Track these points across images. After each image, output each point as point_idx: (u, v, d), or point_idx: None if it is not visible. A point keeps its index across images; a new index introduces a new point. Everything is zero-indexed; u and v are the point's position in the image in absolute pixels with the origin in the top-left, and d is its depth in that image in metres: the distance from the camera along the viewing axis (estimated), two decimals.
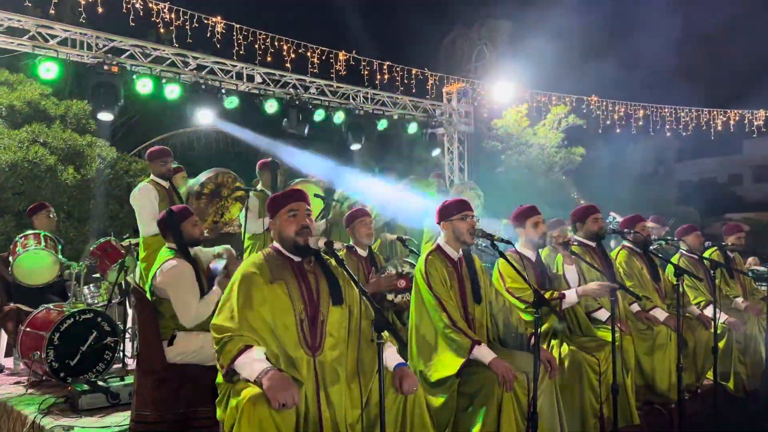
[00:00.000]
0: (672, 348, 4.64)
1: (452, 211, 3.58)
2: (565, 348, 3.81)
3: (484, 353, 3.23)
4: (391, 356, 2.91)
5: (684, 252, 5.85)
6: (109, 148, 10.19)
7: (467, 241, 3.55)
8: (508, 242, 3.40)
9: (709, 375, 5.21)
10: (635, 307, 4.88)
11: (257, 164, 6.22)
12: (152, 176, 5.28)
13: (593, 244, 4.80)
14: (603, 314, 4.44)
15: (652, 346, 4.74)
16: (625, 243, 5.22)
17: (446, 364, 3.25)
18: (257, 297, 2.75)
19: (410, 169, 10.89)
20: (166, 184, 5.24)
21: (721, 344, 5.42)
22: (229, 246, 4.28)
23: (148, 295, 3.82)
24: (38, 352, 4.95)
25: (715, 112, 13.96)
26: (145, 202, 5.03)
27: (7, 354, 5.92)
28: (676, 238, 5.95)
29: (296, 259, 2.92)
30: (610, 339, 4.22)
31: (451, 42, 19.56)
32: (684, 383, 5.01)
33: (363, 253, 4.60)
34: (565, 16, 17.08)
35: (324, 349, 2.82)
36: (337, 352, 2.84)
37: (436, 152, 11.12)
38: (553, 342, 4.02)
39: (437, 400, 3.28)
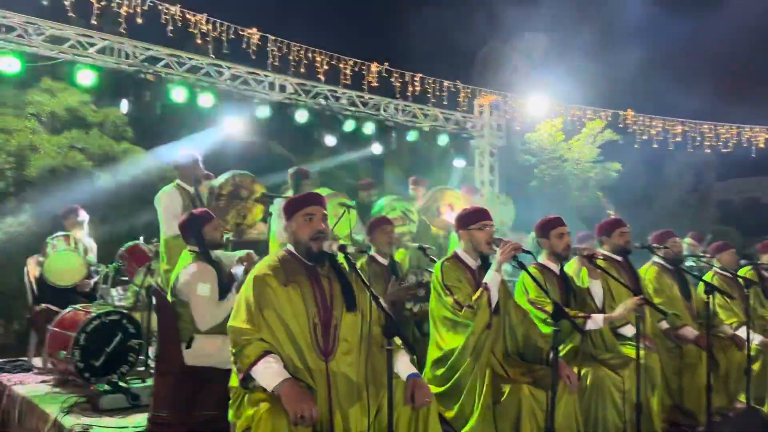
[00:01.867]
0: (702, 368, 4.49)
1: (471, 220, 3.54)
2: (587, 364, 3.70)
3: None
4: (405, 366, 2.86)
5: (718, 270, 5.67)
6: (145, 154, 10.39)
7: (484, 251, 3.49)
8: (529, 252, 3.34)
9: (742, 398, 5.04)
10: (664, 325, 4.74)
11: (289, 172, 6.24)
12: (178, 180, 5.34)
13: (620, 259, 4.69)
14: (629, 330, 4.32)
15: (681, 365, 4.60)
16: (656, 259, 5.07)
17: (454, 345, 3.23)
18: (272, 299, 2.73)
19: (441, 182, 10.83)
20: (191, 189, 5.30)
21: (756, 366, 5.22)
22: (251, 251, 4.30)
23: (168, 297, 3.86)
24: (64, 352, 5.04)
25: (757, 129, 13.58)
26: (168, 203, 5.10)
27: (38, 353, 6.04)
28: (709, 256, 5.78)
29: (310, 262, 2.91)
30: (634, 356, 4.13)
31: (485, 55, 19.49)
32: (715, 405, 4.86)
33: (384, 261, 4.58)
34: (601, 30, 16.87)
35: (336, 354, 2.79)
36: (349, 358, 2.81)
37: (461, 164, 11.05)
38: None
39: (449, 413, 3.22)
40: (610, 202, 20.11)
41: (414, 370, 2.86)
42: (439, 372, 3.38)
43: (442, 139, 10.85)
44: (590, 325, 3.78)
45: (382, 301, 2.67)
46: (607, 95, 15.49)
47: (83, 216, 6.13)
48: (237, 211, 5.34)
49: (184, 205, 5.08)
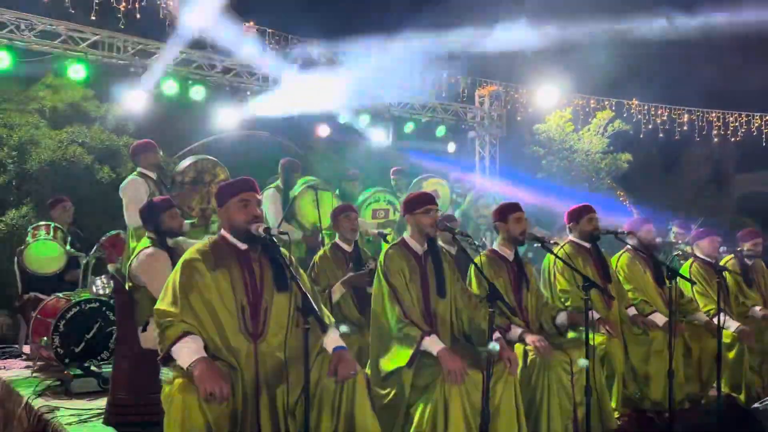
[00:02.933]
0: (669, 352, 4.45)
1: (415, 205, 3.56)
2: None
3: (432, 344, 3.19)
4: (331, 340, 2.91)
5: (698, 257, 5.59)
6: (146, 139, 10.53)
7: (430, 235, 3.51)
8: (468, 236, 3.35)
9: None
10: (632, 311, 4.71)
11: (280, 162, 6.28)
12: (140, 169, 5.40)
13: (587, 245, 4.67)
14: (593, 314, 4.30)
15: (648, 351, 4.56)
16: (629, 246, 5.03)
17: (397, 355, 3.23)
18: (199, 283, 2.79)
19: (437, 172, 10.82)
20: (154, 176, 5.37)
21: (731, 354, 5.18)
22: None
23: (126, 283, 3.94)
24: (45, 338, 5.18)
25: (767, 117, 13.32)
26: (133, 194, 5.16)
27: (27, 341, 6.20)
28: (690, 243, 5.72)
29: (242, 247, 2.95)
30: (596, 341, 4.13)
31: (493, 45, 19.30)
32: (686, 392, 4.83)
33: (347, 248, 4.62)
34: (608, 18, 16.59)
35: (267, 336, 2.84)
36: (279, 338, 2.86)
37: (452, 148, 11.03)
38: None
39: (388, 395, 3.25)
40: (623, 193, 19.92)
41: (341, 343, 2.90)
42: (385, 392, 3.35)
43: (440, 131, 10.84)
44: (509, 336, 3.73)
45: (303, 280, 2.71)
46: (613, 85, 15.28)
47: (69, 206, 6.26)
48: (201, 197, 5.42)
49: (150, 192, 5.15)
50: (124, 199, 5.21)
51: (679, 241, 6.17)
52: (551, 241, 4.15)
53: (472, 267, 3.96)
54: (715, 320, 5.00)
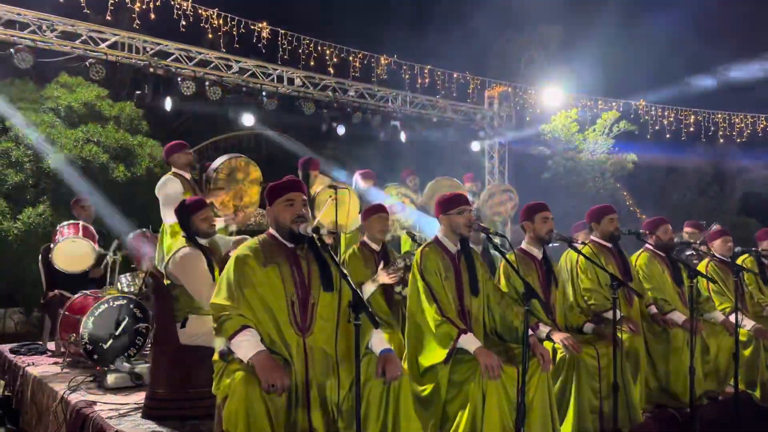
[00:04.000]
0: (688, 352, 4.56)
1: (450, 206, 3.66)
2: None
3: (469, 342, 3.29)
4: (379, 342, 3.02)
5: (714, 257, 5.70)
6: (159, 147, 10.64)
7: (464, 235, 3.62)
8: (503, 236, 3.45)
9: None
10: (653, 309, 4.81)
11: (299, 161, 6.38)
12: (174, 169, 5.52)
13: (609, 245, 4.78)
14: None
15: (668, 349, 4.67)
16: (647, 246, 5.14)
17: (434, 352, 3.33)
18: (252, 278, 2.90)
19: (449, 172, 10.93)
20: (188, 175, 5.50)
21: (747, 352, 5.29)
22: (248, 237, 4.47)
23: (164, 281, 4.05)
24: (74, 335, 5.28)
25: None
26: (170, 192, 5.28)
27: (52, 337, 6.30)
28: (704, 244, 5.82)
29: (290, 245, 3.06)
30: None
31: (501, 46, 19.45)
32: (705, 389, 4.93)
33: (376, 247, 4.73)
34: (616, 20, 16.75)
35: (314, 331, 2.95)
36: (326, 334, 2.97)
37: (476, 147, 11.13)
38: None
39: (425, 390, 3.35)
40: (627, 193, 20.05)
41: (387, 345, 3.01)
42: (423, 387, 3.44)
43: (451, 131, 10.95)
44: (537, 333, 3.85)
45: (350, 279, 2.82)
46: (621, 86, 15.41)
47: (87, 205, 6.38)
48: (235, 193, 5.54)
49: (185, 191, 5.27)
50: (159, 198, 5.31)
51: (693, 241, 6.27)
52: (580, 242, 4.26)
53: (501, 265, 4.08)
54: (732, 318, 5.14)
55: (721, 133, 13.30)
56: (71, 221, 5.88)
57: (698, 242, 6.04)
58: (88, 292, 5.68)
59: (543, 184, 17.25)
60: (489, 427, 3.13)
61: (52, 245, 5.73)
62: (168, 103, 8.08)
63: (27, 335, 8.27)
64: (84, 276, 6.09)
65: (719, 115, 13.14)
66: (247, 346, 2.71)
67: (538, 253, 4.21)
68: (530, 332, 3.52)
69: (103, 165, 9.62)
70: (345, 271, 2.93)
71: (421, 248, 3.69)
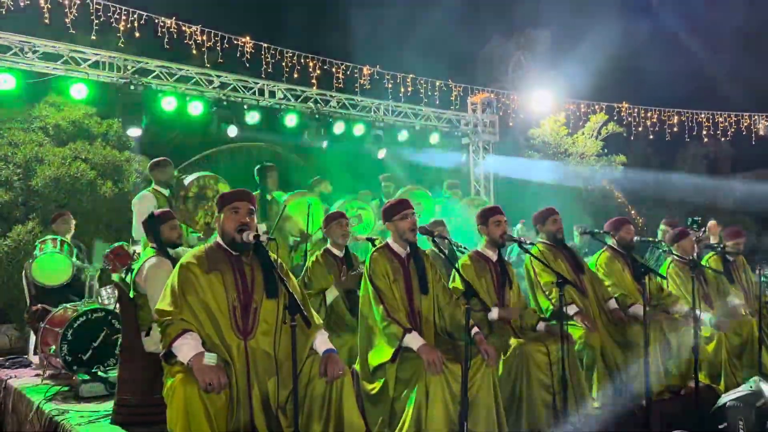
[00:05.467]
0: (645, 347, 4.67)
1: (393, 212, 3.81)
2: (513, 341, 3.94)
3: (413, 340, 3.43)
4: (322, 342, 3.16)
5: (675, 256, 5.81)
6: (146, 162, 10.81)
7: (410, 239, 3.77)
8: (445, 238, 3.60)
9: (702, 377, 5.22)
10: (612, 304, 4.93)
11: (255, 168, 6.53)
12: (154, 185, 5.69)
13: (557, 245, 4.91)
14: (571, 309, 4.54)
15: (625, 344, 4.79)
16: (609, 245, 5.28)
17: (382, 351, 3.48)
18: (195, 284, 3.05)
19: (435, 179, 11.07)
20: (166, 192, 5.66)
21: (710, 346, 5.41)
22: None
23: (130, 292, 4.20)
24: (54, 347, 5.43)
25: (756, 117, 13.54)
26: (143, 209, 5.44)
27: (36, 351, 6.44)
28: (668, 243, 5.93)
29: (234, 252, 3.21)
30: (576, 334, 4.37)
31: (488, 52, 19.66)
32: (666, 384, 5.05)
33: (339, 253, 4.87)
34: (603, 23, 16.93)
35: (256, 334, 3.08)
36: (268, 337, 3.11)
37: (462, 159, 11.27)
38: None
39: (374, 387, 3.49)
40: (620, 194, 20.16)
41: (330, 346, 3.15)
42: (372, 385, 3.59)
43: (434, 138, 11.09)
44: (490, 315, 4.03)
45: (289, 283, 2.96)
46: (605, 88, 15.57)
47: (68, 218, 6.55)
48: (204, 211, 5.68)
49: (158, 208, 5.41)
50: (134, 212, 5.45)
51: (659, 240, 6.41)
52: (528, 242, 4.39)
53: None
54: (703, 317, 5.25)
55: (705, 132, 13.42)
56: (50, 236, 6.05)
57: (649, 239, 6.16)
58: (68, 305, 5.84)
59: (533, 189, 17.40)
60: (433, 422, 3.27)
61: (30, 260, 5.89)
62: (145, 120, 8.24)
63: (22, 351, 8.42)
64: (65, 289, 6.24)
65: (702, 115, 13.28)
66: (187, 348, 2.85)
67: (492, 255, 4.36)
68: (477, 329, 3.67)
69: (90, 181, 9.78)
70: (285, 276, 3.08)
71: (370, 253, 3.84)
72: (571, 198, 17.64)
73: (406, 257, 3.83)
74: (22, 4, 9.70)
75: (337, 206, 6.48)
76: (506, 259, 4.79)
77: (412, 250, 3.84)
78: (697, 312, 5.03)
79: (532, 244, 4.46)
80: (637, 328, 4.78)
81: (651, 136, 13.53)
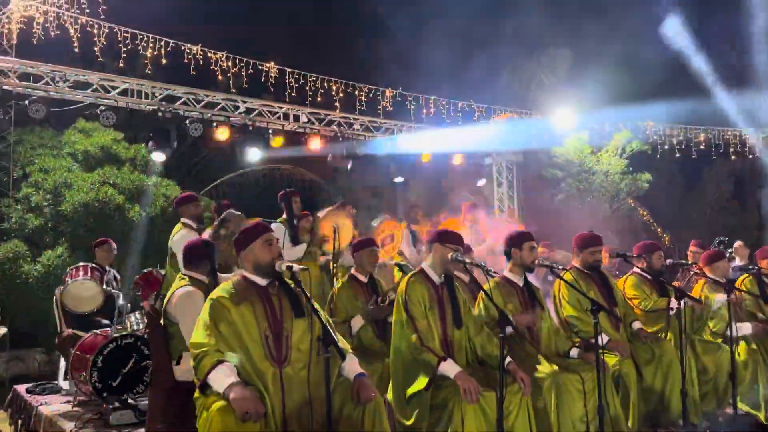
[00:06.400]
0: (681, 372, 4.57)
1: (448, 240, 3.80)
2: (546, 367, 3.87)
3: (449, 368, 3.40)
4: (352, 367, 3.15)
5: (709, 278, 5.69)
6: (173, 187, 10.96)
7: (450, 271, 3.76)
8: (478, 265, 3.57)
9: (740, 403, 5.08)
10: (636, 325, 4.83)
11: (279, 195, 6.55)
12: (183, 219, 5.72)
13: (592, 272, 4.81)
14: (603, 338, 4.44)
15: (659, 368, 4.67)
16: (635, 269, 5.20)
17: (417, 380, 3.44)
18: (227, 316, 3.06)
19: (456, 200, 11.02)
20: (195, 226, 5.69)
21: (747, 372, 5.26)
22: None
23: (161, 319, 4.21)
24: (83, 373, 5.46)
25: None
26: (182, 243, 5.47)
27: (66, 377, 6.50)
28: (702, 266, 5.81)
29: (262, 283, 3.23)
30: (610, 362, 4.28)
31: (509, 72, 19.65)
32: (703, 409, 4.92)
33: (363, 278, 4.85)
34: (624, 42, 16.86)
35: (290, 361, 3.09)
36: (302, 364, 3.11)
37: (481, 182, 11.21)
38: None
39: (409, 417, 3.45)
40: (646, 212, 19.92)
41: (360, 370, 3.14)
42: (407, 417, 3.55)
43: (457, 159, 11.09)
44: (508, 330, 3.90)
45: (321, 313, 2.95)
46: (630, 107, 15.43)
47: (113, 247, 6.66)
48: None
49: None
50: (176, 251, 5.42)
51: (695, 261, 6.27)
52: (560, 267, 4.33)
53: (482, 293, 4.17)
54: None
55: (732, 149, 13.23)
56: (81, 264, 6.13)
57: (682, 262, 6.03)
58: (98, 331, 5.88)
59: (556, 207, 17.27)
60: None
61: (62, 287, 5.96)
62: (173, 145, 8.37)
63: (50, 375, 8.51)
64: (96, 315, 6.30)
65: (729, 132, 13.10)
66: (222, 378, 2.86)
67: (519, 280, 4.31)
68: (510, 358, 3.62)
69: (118, 206, 9.93)
70: (316, 305, 3.08)
71: (407, 277, 3.83)
72: (596, 216, 17.50)
73: (440, 286, 3.81)
74: (52, 34, 10.03)
75: (373, 226, 6.50)
76: None
77: (447, 279, 3.82)
78: (734, 334, 4.93)
79: (564, 269, 4.37)
80: (670, 352, 4.68)
81: (677, 155, 13.35)
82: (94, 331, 5.89)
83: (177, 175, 11.14)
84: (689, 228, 19.71)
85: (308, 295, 3.11)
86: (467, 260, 3.71)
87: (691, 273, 6.58)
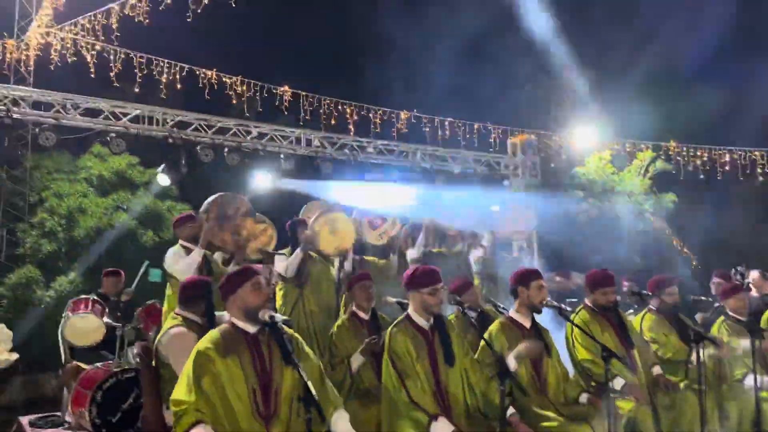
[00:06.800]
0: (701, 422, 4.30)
1: (421, 284, 3.60)
2: (553, 419, 3.64)
3: (441, 428, 3.19)
4: (343, 426, 2.97)
5: (729, 315, 5.36)
6: (188, 211, 10.90)
7: (435, 312, 3.56)
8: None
9: None
10: (657, 370, 4.57)
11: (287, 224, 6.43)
12: (180, 241, 5.60)
13: (606, 313, 4.57)
14: (618, 382, 4.20)
15: (678, 416, 4.42)
16: (651, 306, 4.93)
17: None
18: (211, 370, 2.91)
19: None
20: (192, 246, 5.54)
21: None
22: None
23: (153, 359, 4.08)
24: (83, 409, 5.36)
25: None
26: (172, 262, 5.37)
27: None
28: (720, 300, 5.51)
29: (251, 330, 3.07)
30: (625, 407, 4.05)
31: (529, 92, 19.44)
32: None
33: (365, 316, 4.66)
34: (647, 60, 16.56)
35: (279, 416, 2.93)
36: (291, 418, 2.94)
37: (495, 208, 10.95)
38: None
39: None
40: (672, 234, 19.43)
41: (349, 427, 2.97)
42: None
43: (473, 182, 10.88)
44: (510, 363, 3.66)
45: (306, 365, 2.79)
46: (652, 126, 15.12)
47: (121, 280, 6.60)
48: (232, 230, 5.56)
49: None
50: (175, 273, 5.31)
51: (707, 299, 5.95)
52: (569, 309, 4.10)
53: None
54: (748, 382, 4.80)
55: (759, 170, 12.81)
56: (83, 296, 6.06)
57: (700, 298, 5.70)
58: (99, 364, 5.78)
59: (578, 228, 16.88)
60: None
61: (64, 320, 5.89)
62: (183, 171, 8.33)
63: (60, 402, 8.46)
64: (100, 347, 6.21)
65: (756, 153, 12.69)
66: None
67: (526, 321, 4.09)
68: (512, 410, 3.41)
69: (132, 231, 9.91)
70: (302, 353, 2.93)
71: (390, 328, 3.64)
72: (619, 238, 17.09)
73: (430, 330, 3.62)
74: (69, 60, 10.12)
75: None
76: None
77: (437, 321, 3.62)
78: (758, 379, 4.64)
79: (572, 311, 4.14)
80: (690, 397, 4.41)
81: (702, 176, 12.98)
82: (96, 364, 5.80)
83: (194, 199, 11.09)
84: (717, 250, 19.14)
85: (294, 344, 2.95)
86: (465, 304, 3.50)
87: (714, 307, 6.27)
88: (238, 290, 3.11)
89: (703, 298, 5.78)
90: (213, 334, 3.09)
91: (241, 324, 3.09)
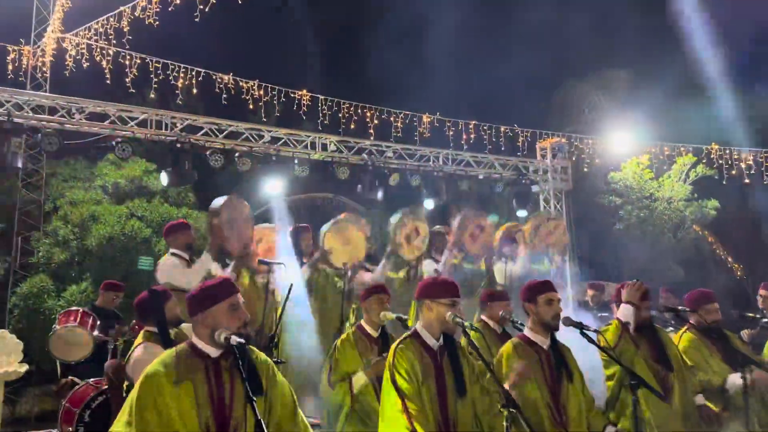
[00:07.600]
0: None
1: (440, 293, 3.13)
2: None
3: None
4: None
5: None
6: (203, 218, 10.63)
7: (450, 331, 3.08)
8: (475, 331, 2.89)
9: None
10: (700, 399, 4.00)
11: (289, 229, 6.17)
12: (171, 249, 5.33)
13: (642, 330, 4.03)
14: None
15: None
16: (691, 324, 4.35)
17: None
18: (157, 401, 2.49)
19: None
20: (186, 255, 5.29)
21: None
22: None
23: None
24: (70, 428, 5.04)
25: None
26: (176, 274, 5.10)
27: None
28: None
29: (214, 354, 2.64)
30: None
31: (561, 94, 18.78)
32: None
33: (373, 332, 4.19)
34: (682, 62, 15.80)
35: None
36: None
37: (522, 213, 10.37)
38: None
39: None
40: (714, 242, 18.48)
41: None
42: None
43: (499, 187, 10.35)
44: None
45: (272, 391, 2.37)
46: (692, 129, 14.34)
47: (119, 296, 6.58)
48: (239, 234, 5.33)
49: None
50: (169, 281, 5.02)
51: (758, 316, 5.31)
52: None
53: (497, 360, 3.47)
54: None
55: None
56: (74, 308, 5.76)
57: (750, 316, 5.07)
58: (91, 381, 5.46)
59: (614, 236, 16.14)
60: None
61: (51, 333, 5.59)
62: (195, 176, 8.03)
63: None
64: (94, 362, 5.90)
65: None
66: None
67: (544, 341, 3.56)
68: None
69: (145, 239, 9.65)
70: (270, 383, 2.49)
71: (395, 344, 3.17)
72: (659, 246, 16.28)
73: (439, 350, 3.14)
74: (84, 65, 9.97)
75: (393, 222, 6.18)
76: None
77: (447, 341, 3.14)
78: None
79: (596, 331, 3.59)
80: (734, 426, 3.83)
81: (747, 180, 12.18)
82: (87, 381, 5.48)
83: (206, 207, 10.83)
84: (765, 259, 18.09)
85: (263, 369, 2.50)
86: (469, 325, 3.02)
87: (762, 323, 5.62)
88: (212, 307, 2.67)
89: (749, 314, 5.15)
90: (167, 355, 2.66)
91: (202, 346, 2.65)
